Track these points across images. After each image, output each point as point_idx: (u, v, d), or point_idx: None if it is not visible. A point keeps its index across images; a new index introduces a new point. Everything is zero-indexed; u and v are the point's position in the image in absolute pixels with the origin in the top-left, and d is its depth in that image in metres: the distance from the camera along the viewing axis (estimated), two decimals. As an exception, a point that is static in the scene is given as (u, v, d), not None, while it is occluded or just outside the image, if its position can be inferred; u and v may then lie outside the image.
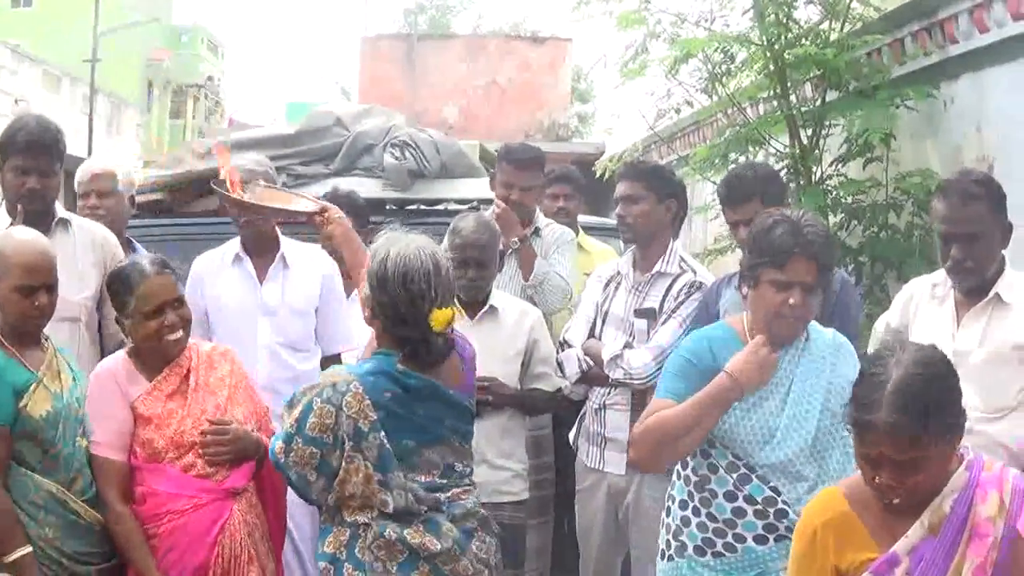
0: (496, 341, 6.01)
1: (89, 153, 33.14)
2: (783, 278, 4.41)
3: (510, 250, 6.75)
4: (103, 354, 5.51)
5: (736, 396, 4.46)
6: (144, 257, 5.03)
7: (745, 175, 5.70)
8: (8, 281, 4.62)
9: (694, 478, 4.62)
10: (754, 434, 4.52)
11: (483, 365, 5.85)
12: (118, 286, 4.95)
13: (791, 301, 4.41)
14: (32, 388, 4.62)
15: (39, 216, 5.48)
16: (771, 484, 4.48)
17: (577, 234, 7.65)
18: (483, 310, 6.05)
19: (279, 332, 6.09)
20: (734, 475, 4.53)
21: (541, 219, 6.99)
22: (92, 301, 5.64)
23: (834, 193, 8.40)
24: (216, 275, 6.19)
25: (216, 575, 4.79)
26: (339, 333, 6.15)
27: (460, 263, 5.90)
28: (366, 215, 7.02)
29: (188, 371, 4.98)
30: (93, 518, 4.73)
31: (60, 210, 5.67)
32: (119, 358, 5.02)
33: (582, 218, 8.24)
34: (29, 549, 4.49)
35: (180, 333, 4.91)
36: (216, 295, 6.12)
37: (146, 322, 4.86)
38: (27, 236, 4.78)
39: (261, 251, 6.14)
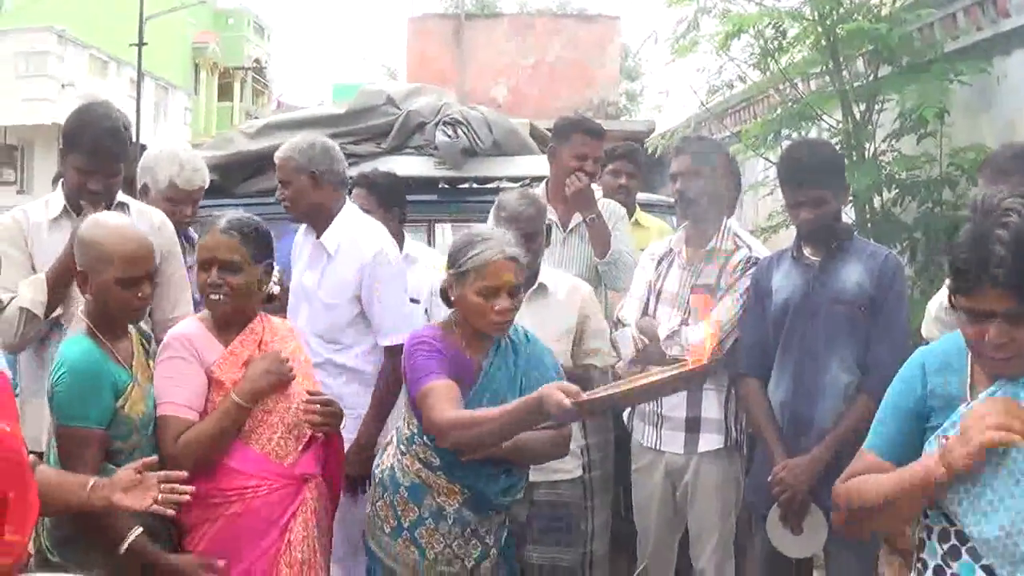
0: (546, 320, 5.92)
1: (137, 139, 33.21)
2: (974, 307, 3.46)
3: (572, 224, 6.70)
4: None
5: (945, 481, 3.45)
6: (236, 215, 4.96)
7: (810, 157, 5.57)
8: (110, 273, 4.49)
9: (915, 540, 3.95)
10: (964, 495, 3.52)
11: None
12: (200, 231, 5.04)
13: (988, 337, 3.45)
14: (129, 388, 4.54)
15: (94, 200, 5.46)
16: (983, 563, 3.52)
17: (635, 211, 7.63)
18: (532, 288, 5.95)
19: (311, 320, 6.10)
20: (944, 546, 3.59)
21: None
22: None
23: (888, 169, 8.36)
24: (299, 250, 6.34)
25: (287, 563, 4.78)
26: (385, 324, 6.04)
27: None
28: (389, 195, 7.02)
29: (261, 340, 4.96)
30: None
31: (119, 195, 5.65)
32: (194, 321, 5.00)
33: (640, 195, 8.19)
34: (140, 529, 4.43)
35: (221, 296, 4.84)
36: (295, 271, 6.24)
37: (199, 271, 4.89)
38: (124, 225, 4.67)
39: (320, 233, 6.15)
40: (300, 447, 4.90)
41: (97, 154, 5.39)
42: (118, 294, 4.50)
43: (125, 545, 4.39)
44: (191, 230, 6.23)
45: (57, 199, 5.57)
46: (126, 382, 4.53)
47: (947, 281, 5.25)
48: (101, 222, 4.65)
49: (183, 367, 4.81)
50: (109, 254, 4.49)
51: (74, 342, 4.53)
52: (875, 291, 5.33)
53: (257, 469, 4.78)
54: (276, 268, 5.24)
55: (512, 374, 4.84)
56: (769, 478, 5.45)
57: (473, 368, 4.80)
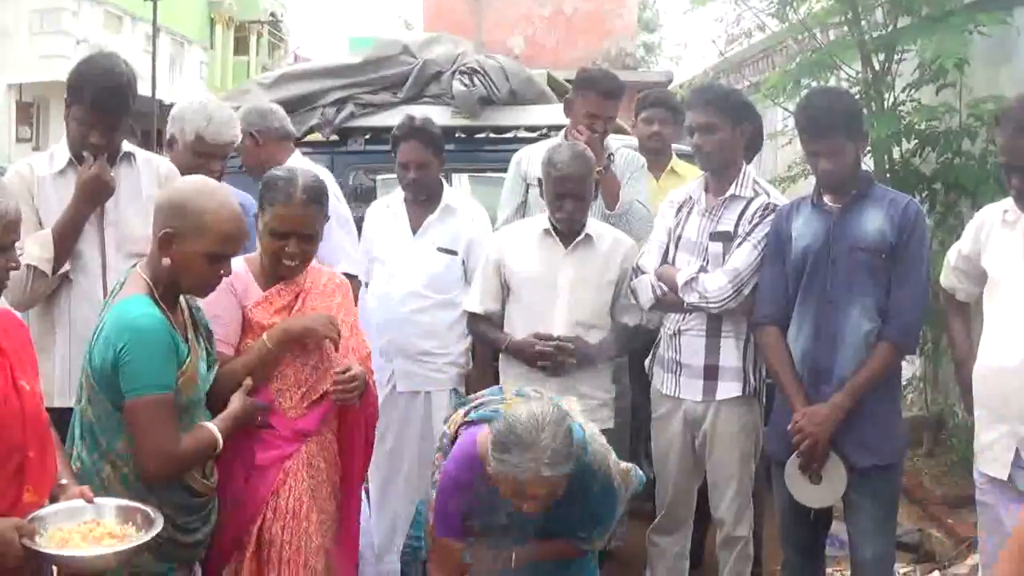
0: (590, 270, 6.02)
1: (153, 93, 33.20)
2: None
3: None
4: None
5: None
6: (308, 179, 4.94)
7: (828, 106, 5.48)
8: (200, 245, 4.31)
9: None
10: None
11: (576, 293, 5.95)
12: (269, 191, 4.95)
13: None
14: (186, 365, 4.38)
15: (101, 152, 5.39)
16: None
17: (671, 160, 7.60)
18: (578, 239, 6.02)
19: None
20: None
21: (611, 144, 6.85)
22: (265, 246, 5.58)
23: (907, 119, 8.36)
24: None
25: (275, 511, 4.84)
26: (325, 257, 5.91)
27: (557, 196, 5.91)
28: (442, 144, 6.91)
29: (301, 291, 5.01)
30: (205, 488, 4.56)
31: (124, 144, 5.57)
32: (240, 264, 4.92)
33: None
34: (216, 428, 4.48)
35: (297, 263, 4.90)
36: None
37: (272, 240, 4.89)
38: (229, 199, 4.45)
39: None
40: (306, 404, 4.93)
41: (97, 107, 5.29)
42: (202, 268, 4.34)
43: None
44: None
45: (62, 152, 5.48)
46: (185, 355, 4.39)
47: (965, 232, 5.27)
48: (205, 189, 4.45)
49: (224, 302, 4.86)
50: (207, 226, 4.31)
51: (137, 305, 4.30)
52: (896, 238, 5.29)
53: (268, 412, 4.89)
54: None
55: None
56: (788, 427, 5.43)
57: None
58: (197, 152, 5.80)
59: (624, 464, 5.13)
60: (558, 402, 4.73)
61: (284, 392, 4.91)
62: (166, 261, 4.31)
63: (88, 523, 4.03)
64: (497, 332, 6.21)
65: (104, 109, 5.28)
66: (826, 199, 5.45)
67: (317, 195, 4.91)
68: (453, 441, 5.07)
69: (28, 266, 5.16)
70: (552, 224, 6.04)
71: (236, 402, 4.66)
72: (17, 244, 5.13)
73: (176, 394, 4.29)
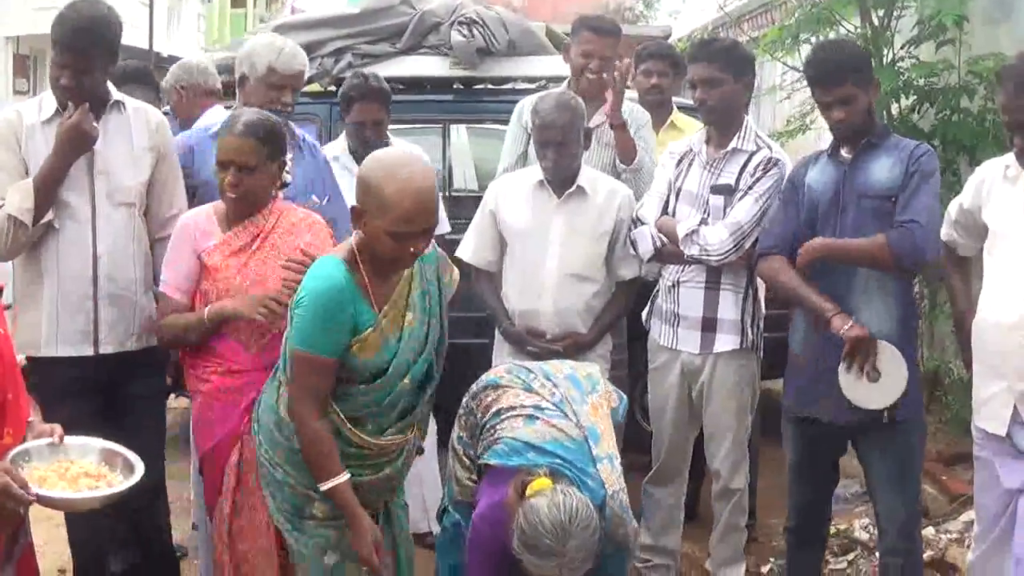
0: (583, 221, 6.00)
1: (150, 46, 33.06)
2: None
3: (593, 124, 6.57)
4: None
5: None
6: (252, 116, 5.05)
7: (837, 56, 5.46)
8: (383, 223, 4.30)
9: None
10: None
11: (568, 245, 5.93)
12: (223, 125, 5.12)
13: None
14: (366, 333, 4.46)
15: (93, 102, 5.34)
16: None
17: (671, 113, 7.57)
18: (570, 190, 5.99)
19: None
20: None
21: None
22: (145, 187, 5.53)
23: (906, 75, 8.33)
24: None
25: (246, 444, 4.96)
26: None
27: (541, 144, 5.90)
28: (389, 100, 6.87)
29: (261, 232, 5.09)
30: (362, 442, 4.64)
31: (114, 92, 5.54)
32: (205, 209, 5.20)
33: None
34: (345, 477, 4.51)
35: (236, 195, 5.01)
36: None
37: (218, 172, 5.03)
38: (411, 175, 4.34)
39: None
40: (266, 339, 5.02)
41: (67, 48, 5.24)
42: (388, 244, 4.32)
43: (327, 486, 4.56)
44: (295, 127, 6.08)
45: (50, 99, 5.43)
46: (367, 324, 4.46)
47: (966, 186, 5.24)
48: (388, 165, 4.40)
49: (178, 249, 5.13)
50: (387, 205, 4.28)
51: (326, 267, 4.44)
52: (903, 177, 5.25)
53: (226, 350, 5.04)
54: (288, 158, 5.28)
55: None
56: (835, 330, 5.29)
57: None
58: (270, 84, 5.73)
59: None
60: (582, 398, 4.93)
61: (242, 331, 5.03)
62: (358, 234, 4.43)
63: (62, 462, 4.17)
64: (497, 305, 6.19)
65: (74, 49, 5.22)
66: (842, 151, 5.43)
67: (258, 130, 4.98)
68: (476, 472, 5.07)
69: (9, 216, 5.16)
70: (545, 177, 6.03)
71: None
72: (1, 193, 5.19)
73: (350, 357, 4.49)
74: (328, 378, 4.48)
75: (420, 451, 5.04)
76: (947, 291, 5.66)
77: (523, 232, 6.05)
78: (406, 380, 4.62)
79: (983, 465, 5.16)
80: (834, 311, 5.29)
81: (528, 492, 4.48)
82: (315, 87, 8.43)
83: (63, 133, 5.22)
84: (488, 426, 4.96)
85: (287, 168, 5.25)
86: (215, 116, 6.27)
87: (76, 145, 5.26)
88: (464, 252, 6.25)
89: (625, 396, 5.31)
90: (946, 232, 5.40)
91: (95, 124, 5.29)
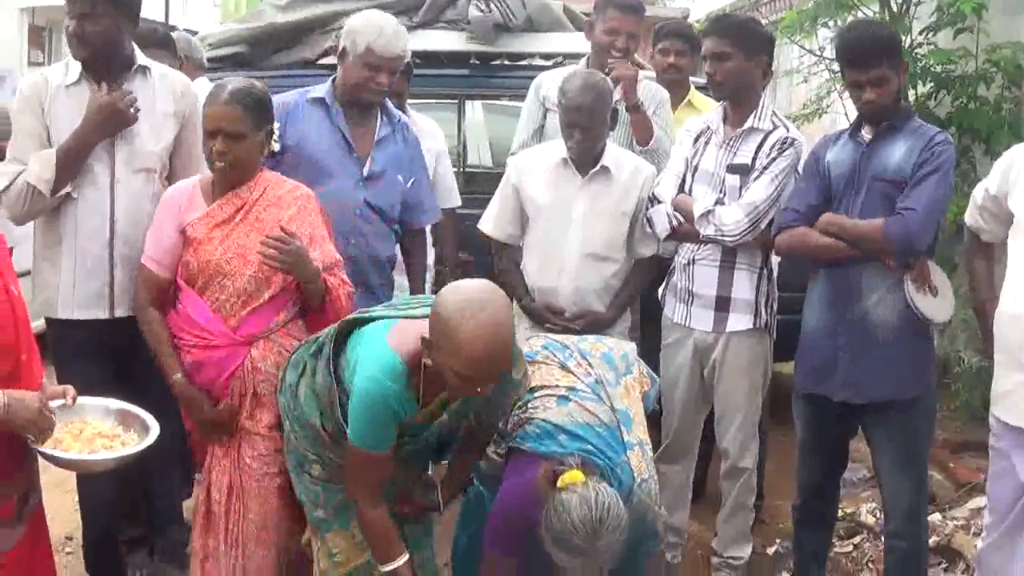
0: (606, 201, 5.96)
1: (166, 17, 32.99)
2: None
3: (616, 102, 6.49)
4: None
5: None
6: (239, 84, 5.02)
7: (872, 35, 5.42)
8: (450, 362, 4.15)
9: None
10: None
11: (589, 225, 5.92)
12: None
13: None
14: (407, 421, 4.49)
15: (106, 61, 5.40)
16: None
17: (688, 92, 7.54)
18: (594, 170, 5.95)
19: None
20: None
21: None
22: (167, 152, 5.57)
23: (923, 62, 8.32)
24: None
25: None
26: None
27: (567, 125, 5.86)
28: (411, 73, 6.91)
29: (245, 204, 5.08)
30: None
31: (140, 57, 5.56)
32: (192, 180, 5.22)
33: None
34: (405, 558, 4.55)
35: (224, 164, 5.00)
36: None
37: (205, 141, 5.05)
38: (488, 323, 4.12)
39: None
40: (246, 311, 5.02)
41: None
42: (455, 381, 4.20)
43: (388, 568, 4.58)
44: (390, 103, 6.12)
45: (76, 63, 5.44)
46: (410, 413, 4.45)
47: (993, 171, 5.22)
48: (469, 308, 4.14)
49: (161, 222, 5.14)
50: (458, 349, 4.11)
51: (383, 367, 4.34)
52: (914, 166, 5.25)
53: (206, 322, 5.02)
54: (275, 126, 5.27)
55: None
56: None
57: None
58: (367, 64, 5.71)
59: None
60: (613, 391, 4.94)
61: (223, 304, 5.03)
62: (427, 361, 4.30)
63: (76, 423, 4.21)
64: (517, 279, 6.16)
65: None
66: (863, 131, 5.42)
67: (245, 98, 4.96)
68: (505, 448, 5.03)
69: (27, 184, 5.21)
70: (569, 156, 6.01)
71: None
72: (20, 158, 5.20)
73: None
74: (384, 467, 4.54)
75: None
76: (969, 278, 5.61)
77: (545, 209, 6.02)
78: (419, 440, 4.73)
79: (999, 456, 5.15)
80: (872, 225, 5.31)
81: (560, 484, 4.44)
82: (332, 60, 8.42)
83: (97, 110, 5.27)
84: (521, 401, 4.94)
85: (275, 137, 5.25)
86: (202, 87, 6.38)
87: (109, 124, 5.31)
88: (485, 225, 6.24)
89: (658, 379, 5.30)
90: (971, 217, 5.39)
91: (135, 109, 5.34)
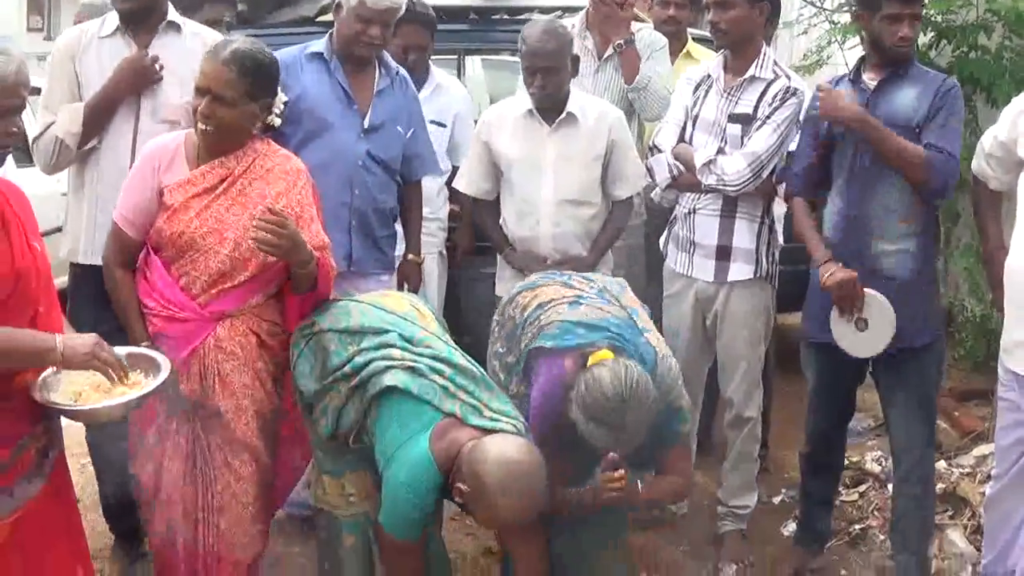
0: (575, 148, 5.96)
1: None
2: None
3: (608, 53, 6.65)
4: None
5: None
6: (244, 45, 4.78)
7: None
8: (482, 513, 4.33)
9: None
10: None
11: (562, 172, 5.93)
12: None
13: None
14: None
15: (145, 15, 5.49)
16: None
17: (686, 44, 7.53)
18: (560, 117, 5.95)
19: None
20: None
21: (633, 24, 6.78)
22: (191, 106, 5.57)
23: (924, 11, 8.27)
24: None
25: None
26: None
27: (529, 72, 5.86)
28: (434, 27, 6.89)
29: (230, 175, 4.82)
30: None
31: (172, 13, 5.63)
32: (176, 138, 4.91)
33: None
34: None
35: (208, 127, 4.71)
36: None
37: (195, 94, 4.75)
38: (528, 492, 4.23)
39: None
40: (216, 290, 4.79)
41: None
42: (487, 523, 4.45)
43: None
44: (387, 55, 6.13)
45: (114, 16, 5.57)
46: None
47: (1001, 118, 5.19)
48: (510, 475, 4.20)
49: (138, 178, 4.84)
50: (492, 512, 4.27)
51: (420, 482, 4.36)
52: (927, 112, 5.23)
53: (171, 294, 4.77)
54: (281, 100, 5.03)
55: None
56: (823, 278, 5.38)
57: None
58: (359, 16, 5.72)
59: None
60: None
61: (193, 280, 4.79)
62: (459, 499, 4.35)
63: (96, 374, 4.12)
64: (497, 232, 6.19)
65: None
66: (865, 76, 5.41)
67: (244, 61, 4.70)
68: (524, 365, 5.02)
69: (55, 137, 5.31)
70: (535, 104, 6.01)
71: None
72: (53, 108, 5.21)
73: None
74: (416, 557, 4.60)
75: None
76: (977, 226, 5.58)
77: (516, 162, 6.02)
78: None
79: (1008, 406, 5.13)
80: (823, 259, 5.39)
81: (590, 362, 4.52)
82: (330, 17, 8.38)
83: (122, 68, 5.37)
84: (530, 320, 4.97)
85: (277, 111, 4.99)
86: None
87: (132, 82, 5.40)
88: (459, 182, 6.29)
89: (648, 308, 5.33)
90: (977, 165, 5.35)
91: (158, 68, 5.43)
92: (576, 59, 6.03)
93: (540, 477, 4.25)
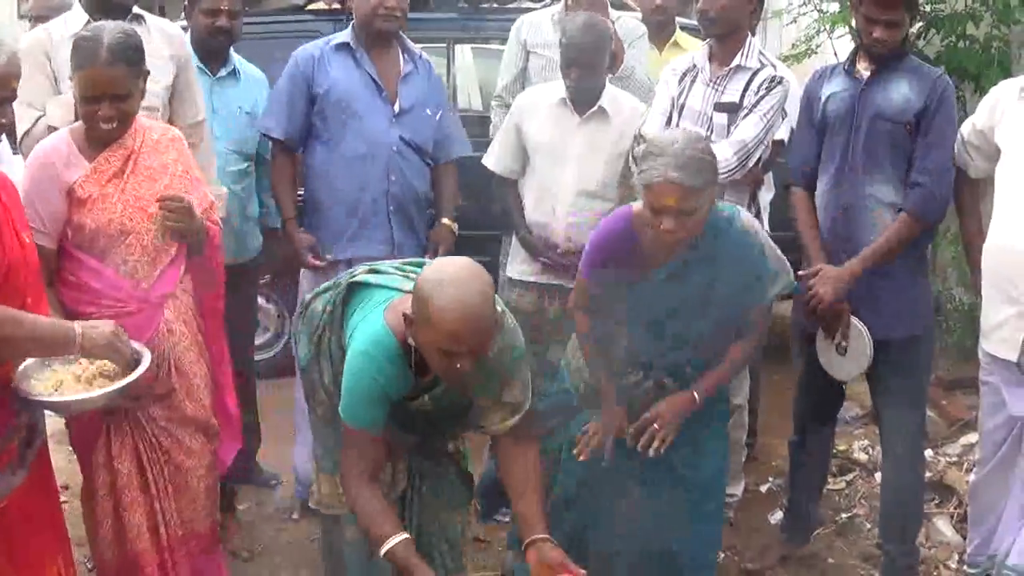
0: (601, 142, 5.99)
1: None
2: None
3: None
4: None
5: None
6: (113, 38, 4.62)
7: None
8: (429, 337, 3.98)
9: None
10: None
11: (585, 165, 5.96)
12: (76, 53, 4.64)
13: None
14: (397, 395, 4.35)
15: (115, 11, 5.47)
16: None
17: (674, 33, 7.55)
18: (592, 110, 5.98)
19: None
20: None
21: (612, 12, 6.79)
22: (167, 93, 5.66)
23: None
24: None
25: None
26: None
27: (566, 64, 5.88)
28: None
29: (131, 153, 4.77)
30: None
31: (135, 8, 5.69)
32: (63, 137, 4.79)
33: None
34: (399, 538, 4.17)
35: (114, 125, 4.65)
36: None
37: (84, 105, 4.65)
38: (467, 295, 3.96)
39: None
40: (157, 270, 4.78)
41: None
42: (436, 358, 4.04)
43: (384, 549, 4.30)
44: (409, 42, 6.25)
45: (76, 16, 5.61)
46: (403, 390, 4.29)
47: (980, 107, 5.21)
48: (445, 281, 3.99)
49: (39, 188, 4.67)
50: (433, 322, 3.92)
51: (375, 345, 4.21)
52: (921, 108, 5.24)
53: (112, 290, 4.70)
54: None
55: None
56: (815, 296, 5.38)
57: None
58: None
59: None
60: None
61: (134, 267, 4.74)
62: (411, 340, 4.14)
63: (79, 363, 4.20)
64: (516, 212, 6.19)
65: None
66: (859, 66, 5.43)
67: (124, 52, 4.60)
68: None
69: (48, 127, 5.26)
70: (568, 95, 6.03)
71: None
72: (33, 103, 5.20)
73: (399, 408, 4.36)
74: (374, 447, 4.33)
75: None
76: (957, 213, 5.61)
77: (543, 147, 6.04)
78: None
79: (990, 390, 5.19)
80: (815, 269, 5.40)
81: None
82: (321, 5, 8.40)
83: None
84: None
85: (150, 76, 4.91)
86: None
87: None
88: (488, 160, 6.27)
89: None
90: (958, 153, 5.37)
91: None
92: (615, 55, 6.09)
93: (479, 280, 4.06)
